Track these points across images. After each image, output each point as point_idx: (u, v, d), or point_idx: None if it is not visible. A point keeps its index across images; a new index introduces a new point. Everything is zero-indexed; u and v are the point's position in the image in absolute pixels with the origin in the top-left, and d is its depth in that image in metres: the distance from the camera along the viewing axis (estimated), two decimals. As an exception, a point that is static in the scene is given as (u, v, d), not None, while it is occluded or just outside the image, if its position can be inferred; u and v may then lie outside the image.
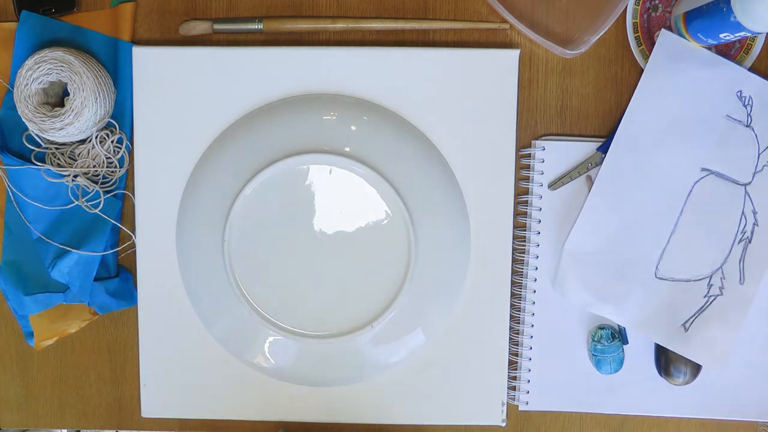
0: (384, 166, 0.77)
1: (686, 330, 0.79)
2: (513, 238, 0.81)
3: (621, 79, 0.81)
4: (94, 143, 0.80)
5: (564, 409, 0.83)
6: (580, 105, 0.81)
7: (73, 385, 0.85)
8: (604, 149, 0.80)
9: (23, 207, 0.81)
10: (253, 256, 0.78)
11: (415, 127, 0.80)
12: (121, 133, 0.81)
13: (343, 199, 0.78)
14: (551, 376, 0.82)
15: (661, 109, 0.78)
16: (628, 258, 0.79)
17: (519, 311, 0.82)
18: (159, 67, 0.79)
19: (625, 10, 0.78)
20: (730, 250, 0.79)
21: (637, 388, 0.82)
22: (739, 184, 0.79)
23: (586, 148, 0.80)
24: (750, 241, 0.79)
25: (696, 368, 0.80)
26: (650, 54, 0.78)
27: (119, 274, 0.83)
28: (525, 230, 0.81)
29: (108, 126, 0.81)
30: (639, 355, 0.82)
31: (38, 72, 0.75)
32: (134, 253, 0.82)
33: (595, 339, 0.80)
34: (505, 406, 0.82)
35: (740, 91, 0.78)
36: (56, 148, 0.81)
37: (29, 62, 0.76)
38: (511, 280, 0.81)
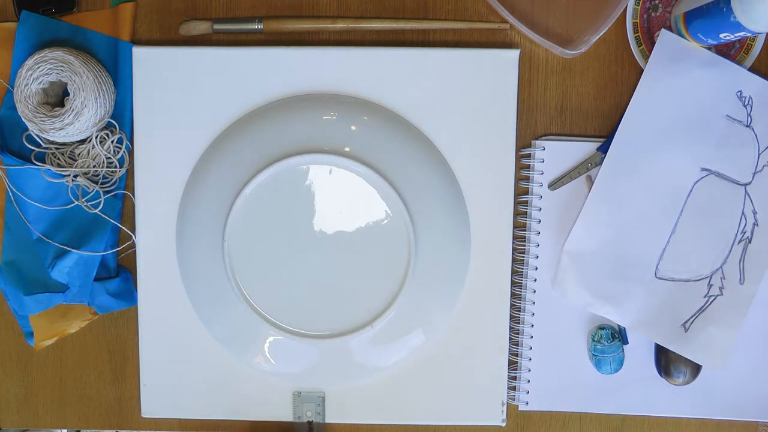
0: (384, 166, 0.77)
1: (686, 330, 0.79)
2: (513, 238, 0.81)
3: (621, 79, 0.81)
4: (94, 143, 0.80)
5: (564, 409, 0.83)
6: (580, 105, 0.81)
7: (73, 385, 0.85)
8: (604, 149, 0.80)
9: (23, 207, 0.81)
10: (253, 256, 0.78)
11: (415, 127, 0.80)
12: (121, 133, 0.81)
13: (343, 199, 0.78)
14: (551, 376, 0.82)
15: (661, 109, 0.78)
16: (628, 258, 0.79)
17: (519, 311, 0.82)
18: (159, 67, 0.79)
19: (625, 10, 0.78)
20: (730, 250, 0.79)
21: (637, 388, 0.82)
22: (739, 184, 0.78)
23: (586, 148, 0.80)
24: (750, 241, 0.79)
25: (696, 368, 0.80)
26: (650, 54, 0.78)
27: (119, 274, 0.83)
28: (525, 230, 0.81)
29: (108, 126, 0.81)
30: (639, 355, 0.82)
31: (38, 72, 0.75)
32: (134, 253, 0.82)
33: (595, 339, 0.80)
34: (505, 406, 0.82)
35: (740, 91, 0.78)
36: (56, 148, 0.81)
37: (29, 62, 0.76)
38: (511, 280, 0.81)
